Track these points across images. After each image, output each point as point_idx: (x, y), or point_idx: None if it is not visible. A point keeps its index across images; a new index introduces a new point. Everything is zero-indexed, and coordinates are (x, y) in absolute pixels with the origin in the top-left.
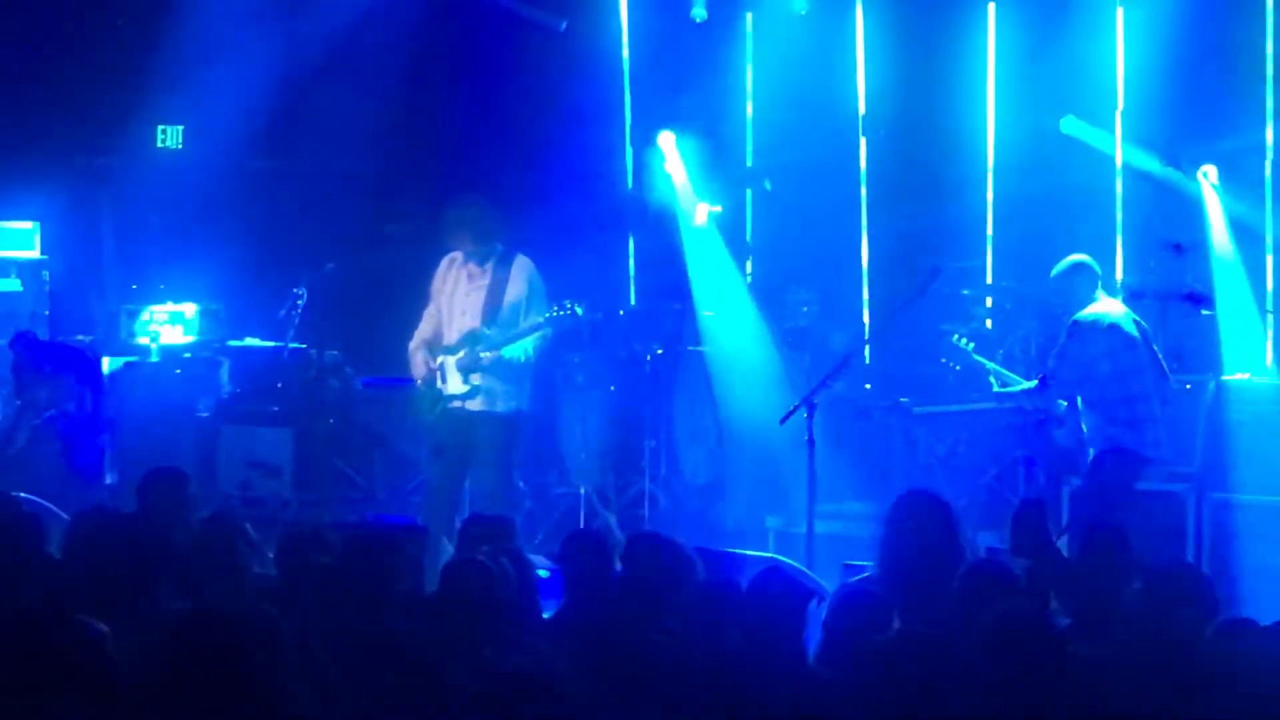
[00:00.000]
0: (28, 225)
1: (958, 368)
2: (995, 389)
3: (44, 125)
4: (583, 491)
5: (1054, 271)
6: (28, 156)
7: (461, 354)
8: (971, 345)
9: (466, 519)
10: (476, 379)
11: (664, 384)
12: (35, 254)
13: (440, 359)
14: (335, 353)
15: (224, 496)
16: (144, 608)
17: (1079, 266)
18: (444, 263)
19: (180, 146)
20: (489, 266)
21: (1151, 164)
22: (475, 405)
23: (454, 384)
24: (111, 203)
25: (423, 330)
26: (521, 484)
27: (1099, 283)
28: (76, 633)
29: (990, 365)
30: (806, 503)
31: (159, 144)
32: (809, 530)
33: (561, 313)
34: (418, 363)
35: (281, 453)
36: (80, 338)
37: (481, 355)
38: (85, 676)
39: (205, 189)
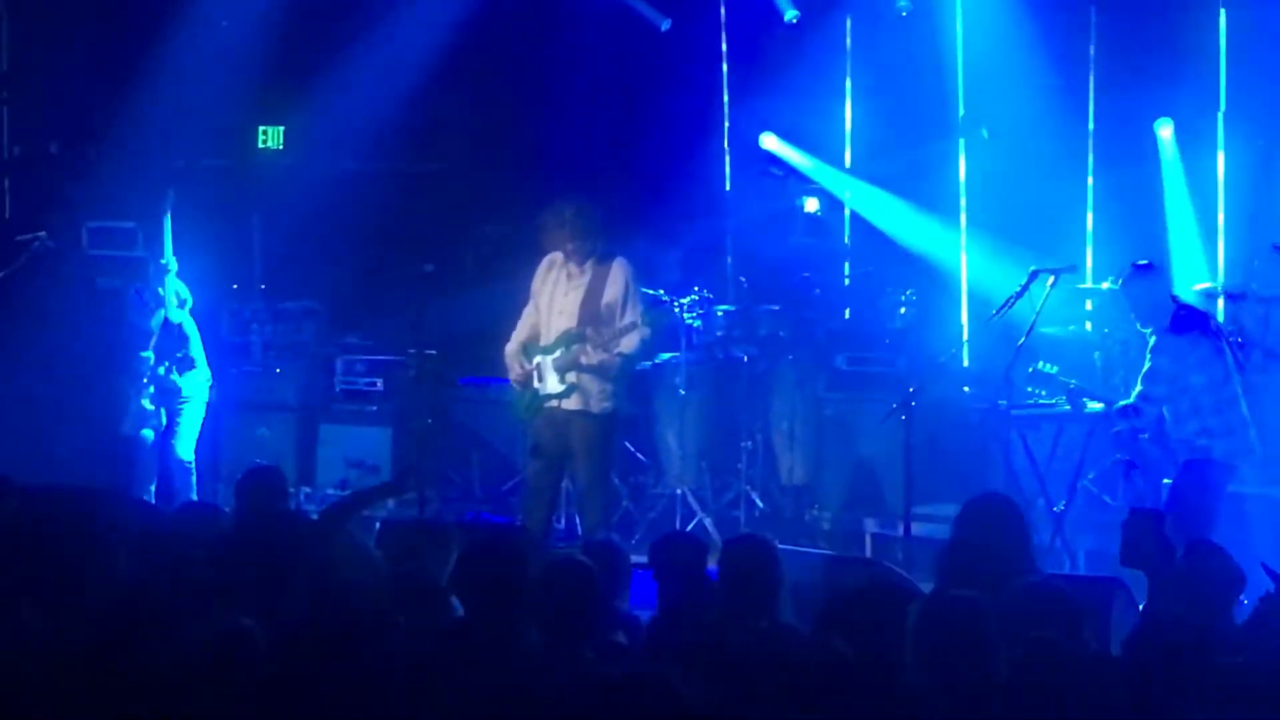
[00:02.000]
0: (129, 225)
1: (1044, 394)
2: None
3: (146, 127)
4: (679, 493)
5: (1123, 278)
6: (129, 157)
7: (558, 354)
8: (1055, 369)
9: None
10: (573, 378)
11: (761, 386)
12: (138, 253)
13: (537, 359)
14: (433, 353)
15: (322, 496)
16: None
17: (1150, 270)
18: (544, 263)
19: (281, 147)
20: (587, 267)
21: None
22: (572, 405)
23: (551, 384)
24: (212, 203)
25: (520, 331)
26: (619, 483)
27: (1171, 285)
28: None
29: (1073, 383)
30: (903, 505)
31: (260, 145)
32: (905, 532)
33: (659, 309)
34: (514, 365)
35: (380, 452)
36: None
37: (581, 356)
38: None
39: (305, 190)
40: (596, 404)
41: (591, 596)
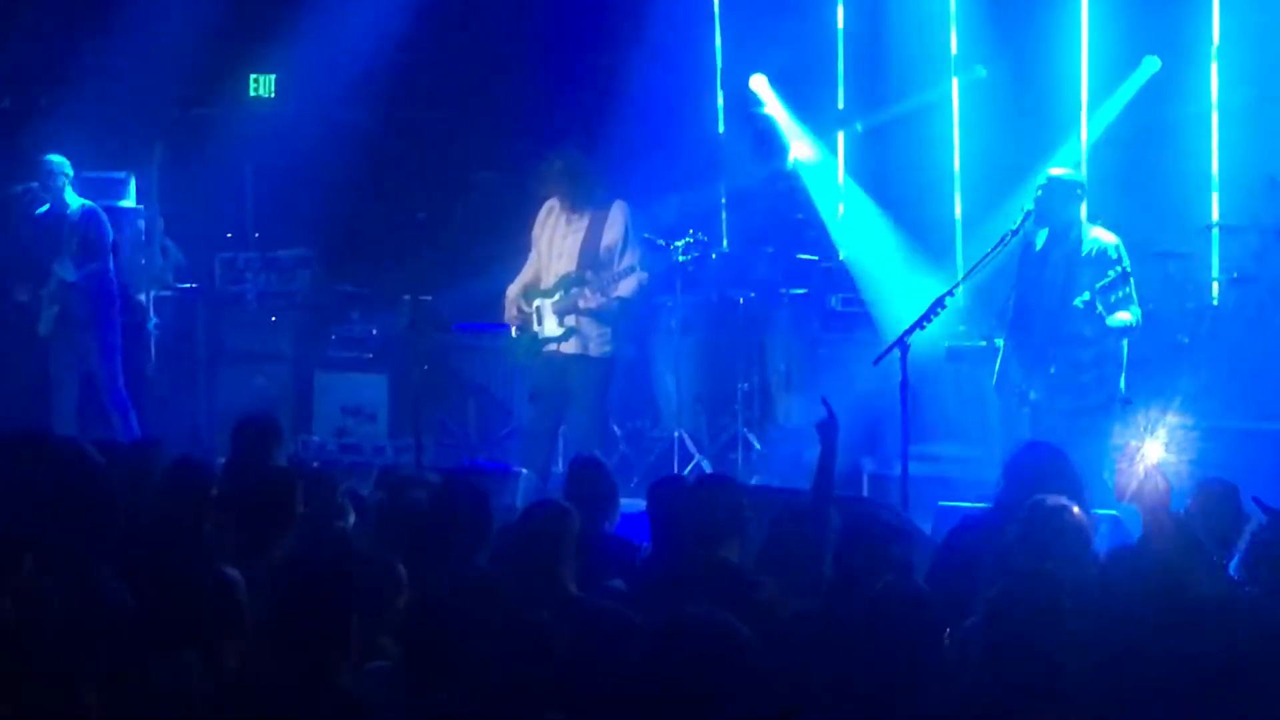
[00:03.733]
0: (121, 175)
1: None
2: None
3: (136, 76)
4: (676, 436)
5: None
6: (121, 107)
7: (557, 297)
8: None
9: (571, 461)
10: (571, 321)
11: (756, 328)
12: (130, 204)
13: (536, 302)
14: (428, 298)
15: (318, 444)
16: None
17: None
18: (543, 209)
19: (273, 95)
20: (586, 211)
21: None
22: (570, 348)
23: (550, 327)
24: (204, 152)
25: (523, 276)
26: (616, 429)
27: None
28: (214, 579)
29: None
30: (900, 445)
31: (251, 93)
32: (903, 472)
33: (658, 254)
34: (511, 307)
35: (376, 399)
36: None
37: (580, 300)
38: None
39: (298, 138)
40: (596, 348)
41: (568, 538)
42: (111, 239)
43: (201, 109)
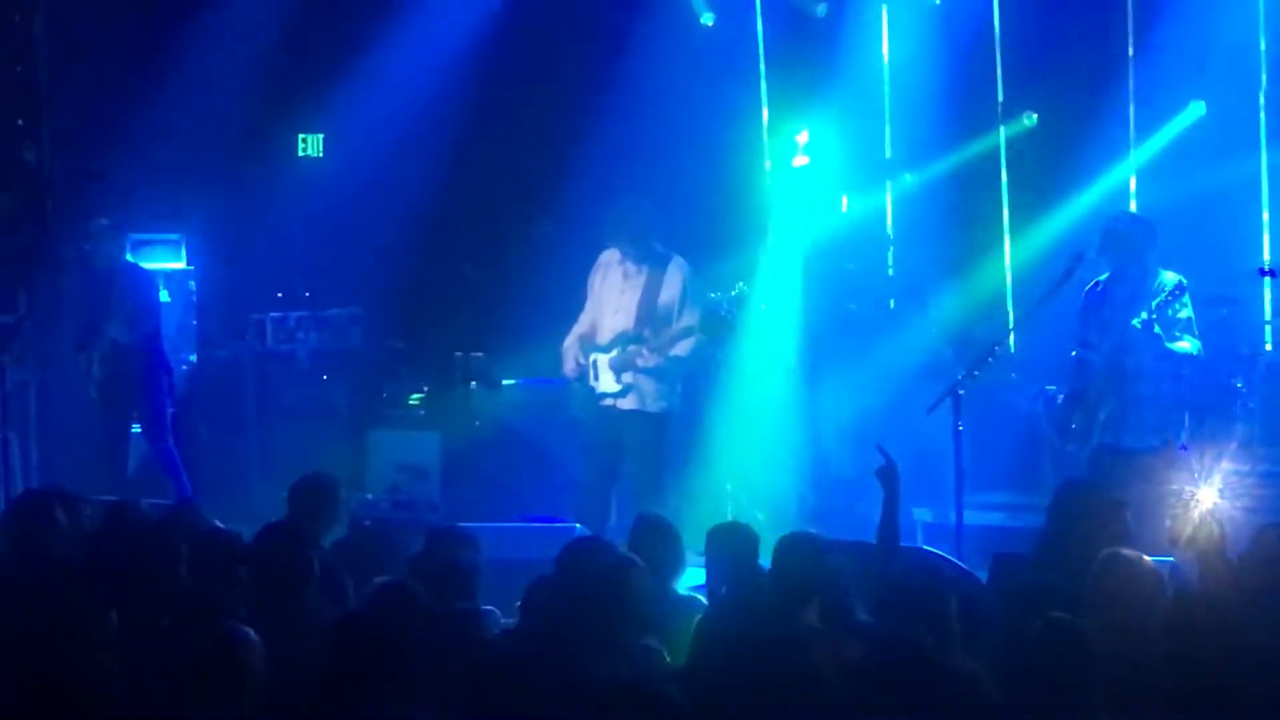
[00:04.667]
0: (173, 237)
1: None
2: None
3: (186, 138)
4: (729, 489)
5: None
6: (171, 168)
7: (615, 353)
8: None
9: (637, 518)
10: (629, 378)
11: (807, 378)
12: (181, 265)
13: (593, 356)
14: (480, 355)
15: (372, 501)
16: (294, 611)
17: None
18: (600, 261)
19: (321, 155)
20: (644, 267)
21: None
22: (627, 404)
23: (606, 382)
24: (254, 212)
25: (579, 327)
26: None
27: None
28: (228, 637)
29: None
30: (955, 494)
31: (300, 153)
32: (958, 521)
33: (717, 321)
34: (568, 359)
35: (429, 456)
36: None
37: (638, 358)
38: (236, 678)
39: (347, 196)
40: (653, 403)
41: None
42: (161, 300)
43: (251, 169)
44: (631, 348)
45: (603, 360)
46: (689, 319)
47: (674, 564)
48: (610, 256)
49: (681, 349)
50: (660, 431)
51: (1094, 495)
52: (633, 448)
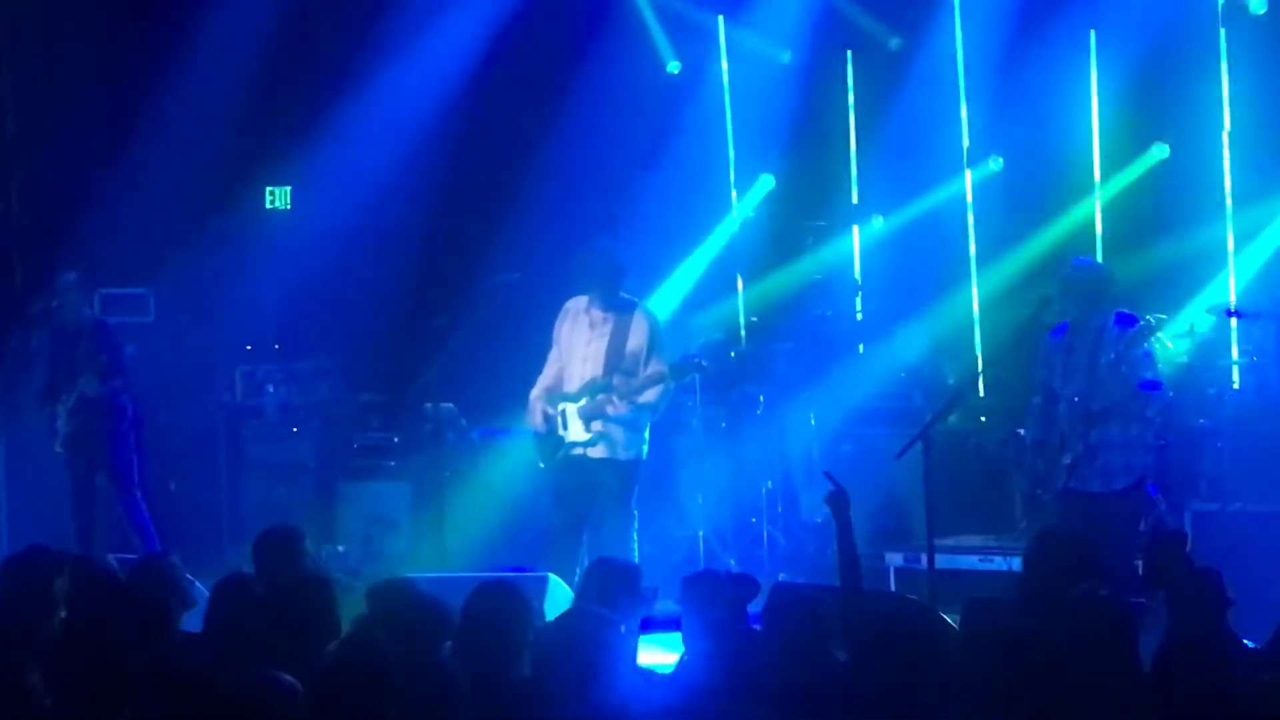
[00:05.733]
0: (140, 291)
1: None
2: None
3: (153, 192)
4: (701, 534)
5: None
6: (139, 223)
7: (583, 401)
8: None
9: (591, 564)
10: (598, 427)
11: (777, 424)
12: (149, 319)
13: (561, 406)
14: (450, 405)
15: (343, 553)
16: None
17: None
18: (565, 309)
19: (289, 207)
20: (611, 314)
21: None
22: (597, 453)
23: (575, 431)
24: (223, 265)
25: (544, 379)
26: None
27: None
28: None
29: None
30: (926, 538)
31: (268, 205)
32: (929, 565)
33: (686, 366)
34: (535, 412)
35: (400, 507)
36: None
37: (607, 406)
38: None
39: (314, 248)
40: (623, 452)
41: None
42: (128, 355)
43: (218, 222)
44: (601, 396)
45: (571, 409)
46: (657, 365)
47: (630, 607)
48: (577, 304)
49: (650, 396)
50: (630, 479)
51: (1069, 545)
52: (603, 496)
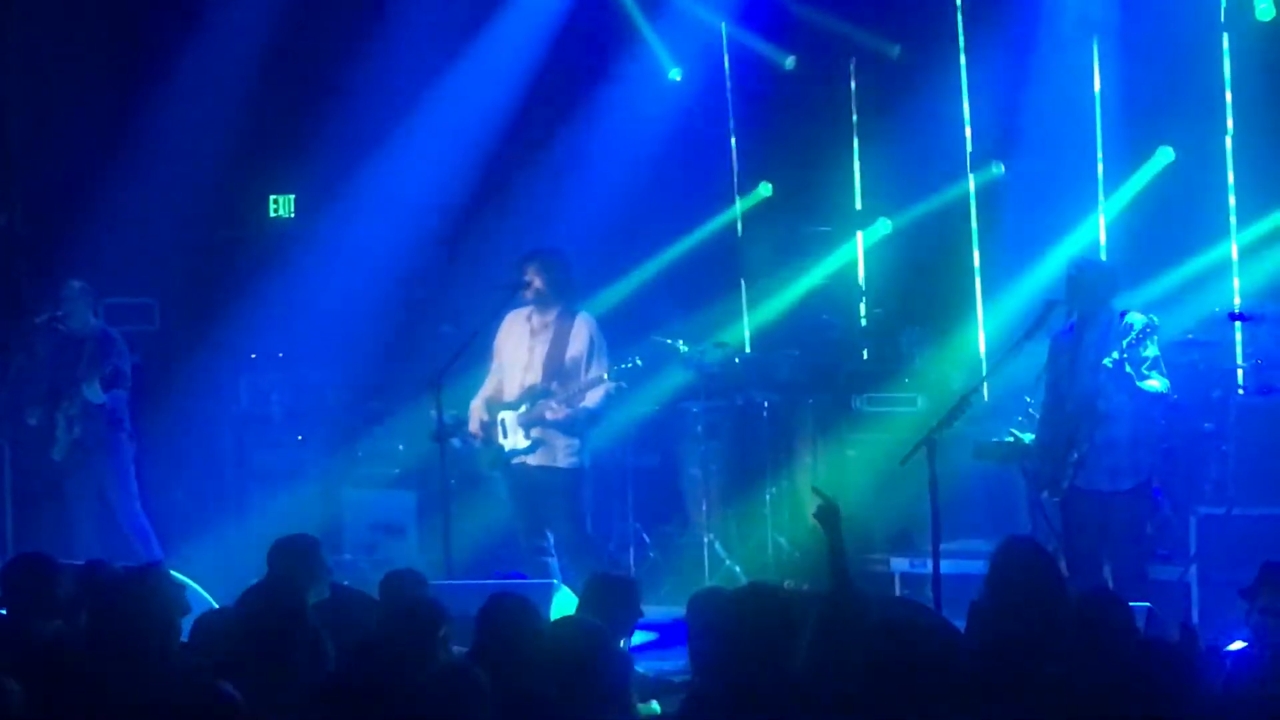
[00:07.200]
0: (146, 300)
1: None
2: None
3: (157, 200)
4: (706, 540)
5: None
6: (143, 232)
7: (523, 409)
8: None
9: (589, 580)
10: (538, 433)
11: (782, 430)
12: (155, 328)
13: (501, 414)
14: (455, 412)
15: (349, 562)
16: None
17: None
18: (505, 320)
19: (293, 215)
20: (551, 322)
21: None
22: (536, 460)
23: (515, 439)
24: (227, 274)
25: (485, 389)
26: (646, 537)
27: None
28: (213, 698)
29: None
30: (932, 543)
31: (272, 214)
32: (935, 570)
33: (623, 366)
34: (473, 419)
35: (405, 514)
36: None
37: (546, 412)
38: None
39: (320, 257)
40: (563, 458)
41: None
42: (131, 364)
43: (222, 231)
44: (540, 402)
45: (510, 417)
46: (598, 369)
47: (626, 622)
48: (516, 315)
49: (591, 400)
50: (573, 487)
51: (1032, 551)
52: (549, 506)
